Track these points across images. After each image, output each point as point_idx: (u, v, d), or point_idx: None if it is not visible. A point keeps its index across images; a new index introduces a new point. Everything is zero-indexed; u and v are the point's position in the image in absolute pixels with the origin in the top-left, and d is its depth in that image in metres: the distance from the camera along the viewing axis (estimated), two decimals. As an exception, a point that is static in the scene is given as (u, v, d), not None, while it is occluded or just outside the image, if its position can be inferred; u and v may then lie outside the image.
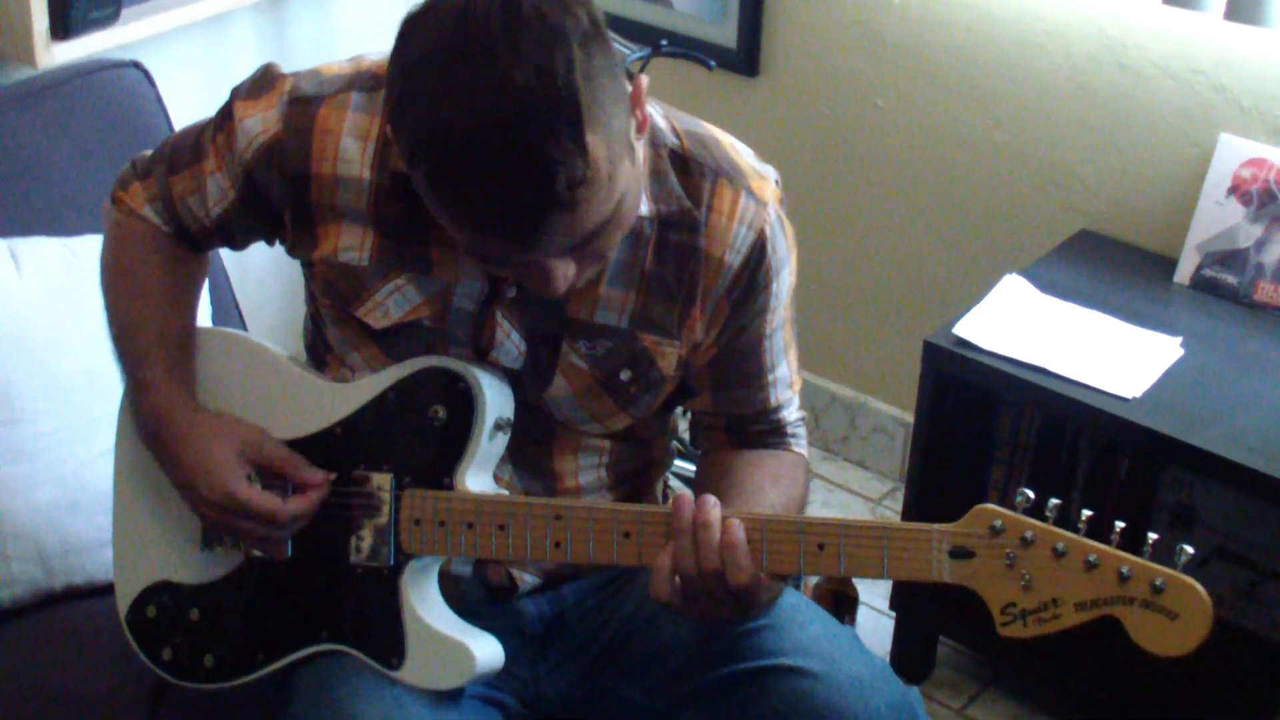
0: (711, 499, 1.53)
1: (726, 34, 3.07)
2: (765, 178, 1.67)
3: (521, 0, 1.36)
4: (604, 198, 1.41)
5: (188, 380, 1.73)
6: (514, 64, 1.34)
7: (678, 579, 1.52)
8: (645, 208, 1.60)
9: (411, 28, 1.41)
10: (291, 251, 1.70)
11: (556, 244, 1.43)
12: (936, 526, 1.47)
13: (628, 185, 1.45)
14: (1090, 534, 1.42)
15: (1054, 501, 1.44)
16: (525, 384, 1.67)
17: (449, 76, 1.37)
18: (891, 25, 2.89)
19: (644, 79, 1.49)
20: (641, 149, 1.55)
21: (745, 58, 3.06)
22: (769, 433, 1.77)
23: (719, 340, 1.68)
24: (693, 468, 2.95)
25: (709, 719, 1.70)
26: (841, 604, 2.75)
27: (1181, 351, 2.43)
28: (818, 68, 3.02)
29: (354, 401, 1.67)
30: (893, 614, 2.76)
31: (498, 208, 1.39)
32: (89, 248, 1.85)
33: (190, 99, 2.51)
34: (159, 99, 2.40)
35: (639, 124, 1.49)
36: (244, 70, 1.72)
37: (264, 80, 1.67)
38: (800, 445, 1.79)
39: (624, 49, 2.71)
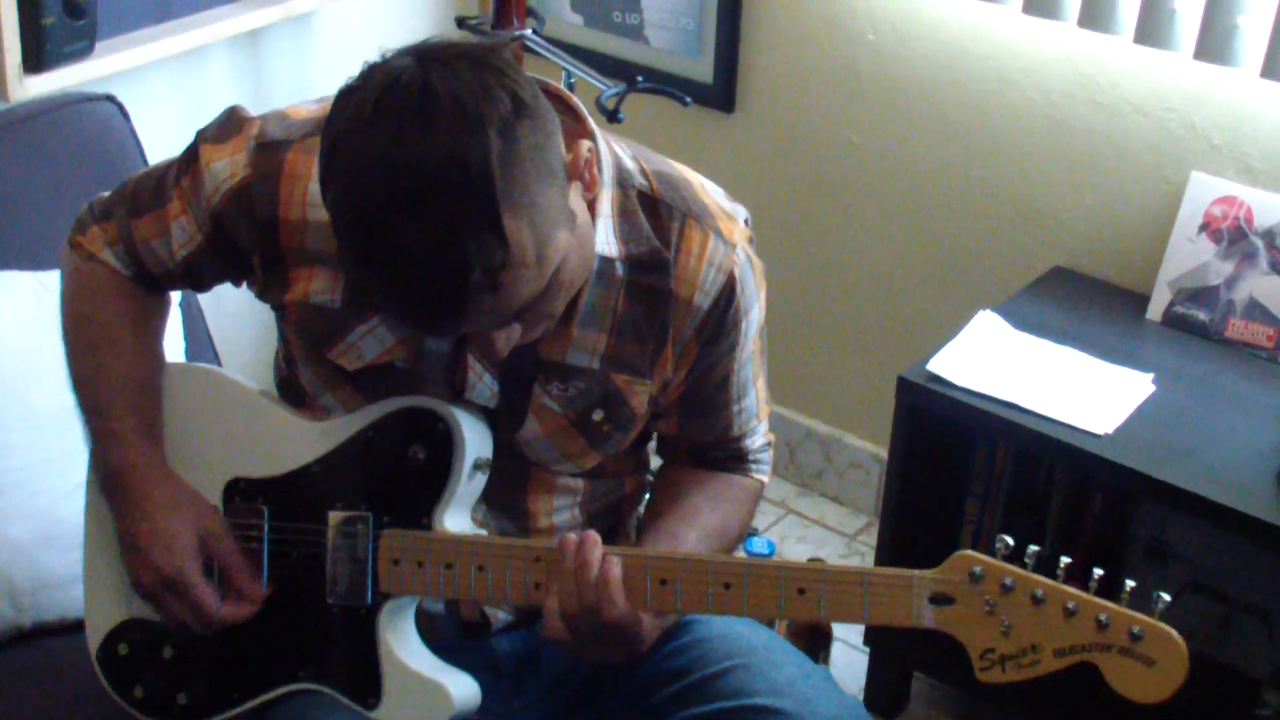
0: (593, 537, 1.56)
1: (702, 70, 3.08)
2: (734, 218, 1.67)
3: (438, 85, 1.35)
4: (531, 277, 1.41)
5: (157, 435, 1.72)
6: (426, 151, 1.33)
7: (562, 617, 1.55)
8: (615, 250, 1.60)
9: (342, 99, 1.41)
10: (262, 296, 1.69)
11: (484, 323, 1.44)
12: (916, 573, 1.48)
13: (567, 251, 1.45)
14: (1068, 580, 1.43)
15: (1033, 548, 1.45)
16: (498, 424, 1.67)
17: (365, 154, 1.36)
18: (867, 62, 2.90)
19: (584, 145, 1.49)
20: (607, 197, 1.57)
21: (721, 93, 3.07)
22: (730, 458, 1.78)
23: (688, 377, 1.69)
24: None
25: (682, 758, 1.70)
26: (816, 639, 2.75)
27: (1153, 388, 2.44)
28: (793, 104, 3.03)
29: (332, 439, 1.67)
30: (867, 649, 2.76)
31: (414, 297, 1.39)
32: (62, 282, 1.85)
33: (165, 133, 2.50)
34: (133, 133, 2.40)
35: (586, 184, 1.50)
36: (219, 104, 1.71)
37: (230, 123, 1.66)
38: (760, 472, 1.81)
39: (599, 85, 2.72)
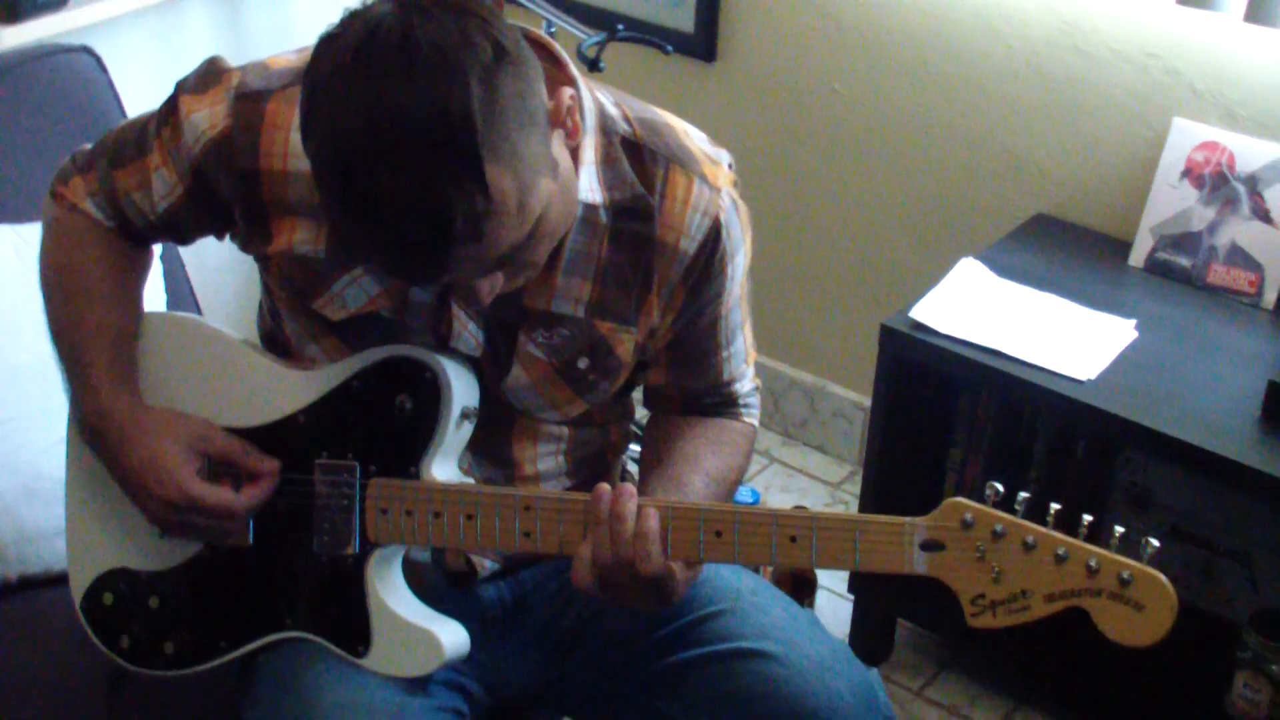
0: (629, 490, 1.54)
1: (683, 19, 3.06)
2: (718, 163, 1.67)
3: (419, 33, 1.34)
4: (513, 225, 1.41)
5: (130, 377, 1.71)
6: (407, 100, 1.32)
7: (595, 568, 1.54)
8: (599, 196, 1.59)
9: (323, 47, 1.40)
10: (245, 248, 1.68)
11: (466, 271, 1.44)
12: (908, 520, 1.48)
13: (549, 200, 1.45)
14: (1057, 526, 1.44)
15: (1023, 495, 1.45)
16: (483, 373, 1.67)
17: (346, 104, 1.35)
18: (849, 10, 2.89)
19: (567, 92, 1.48)
20: (590, 144, 1.57)
21: (702, 42, 3.06)
22: (721, 404, 1.79)
23: (676, 324, 1.69)
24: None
25: (670, 703, 1.71)
26: (801, 587, 2.76)
27: (1136, 334, 2.44)
28: (775, 52, 3.02)
29: (318, 389, 1.66)
30: (851, 597, 2.77)
31: (397, 248, 1.39)
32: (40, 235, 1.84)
33: (143, 85, 2.48)
34: (111, 84, 2.38)
35: (568, 131, 1.49)
36: (198, 55, 1.70)
37: (210, 74, 1.64)
38: (751, 415, 1.81)
39: (580, 33, 2.71)
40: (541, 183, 1.42)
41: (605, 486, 1.55)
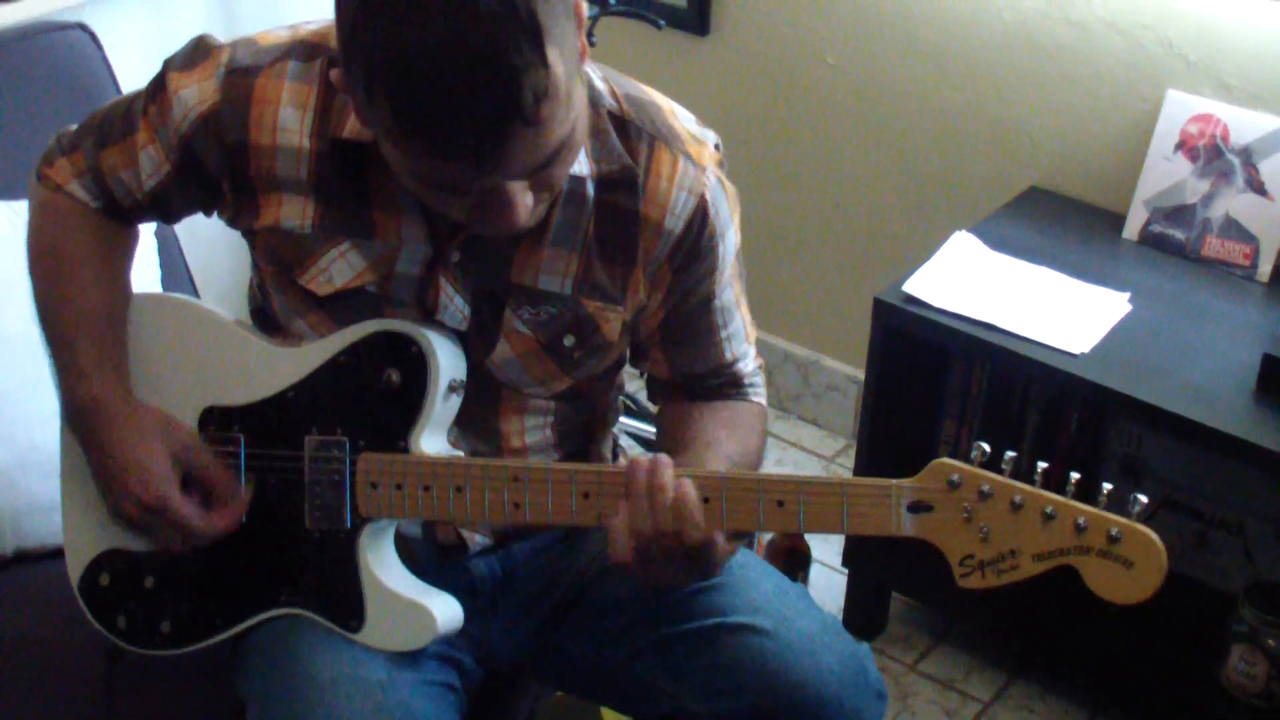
0: (665, 460, 1.53)
1: (676, -8, 3.06)
2: (704, 142, 1.66)
3: None
4: (563, 116, 1.39)
5: (120, 366, 1.71)
6: None
7: (633, 540, 1.53)
8: (585, 168, 1.59)
9: None
10: (233, 223, 1.68)
11: (520, 163, 1.40)
12: (895, 481, 1.48)
13: (580, 108, 1.44)
14: (1045, 486, 1.44)
15: (1010, 454, 1.45)
16: (469, 347, 1.67)
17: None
18: (841, -17, 2.89)
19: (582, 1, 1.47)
20: (584, 87, 1.55)
21: (695, 16, 3.06)
22: (727, 385, 1.78)
23: (666, 304, 1.69)
24: (639, 425, 2.96)
25: (660, 675, 1.72)
26: (794, 561, 2.77)
27: (1129, 307, 2.44)
28: (768, 26, 3.02)
29: (306, 365, 1.67)
30: (845, 570, 2.77)
31: (464, 124, 1.34)
32: (34, 211, 1.84)
33: (138, 62, 2.48)
34: (106, 62, 2.38)
35: (581, 50, 1.48)
36: (194, 33, 1.70)
37: (199, 51, 1.64)
38: (758, 395, 1.80)
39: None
40: (577, 83, 1.42)
41: (641, 458, 1.53)
